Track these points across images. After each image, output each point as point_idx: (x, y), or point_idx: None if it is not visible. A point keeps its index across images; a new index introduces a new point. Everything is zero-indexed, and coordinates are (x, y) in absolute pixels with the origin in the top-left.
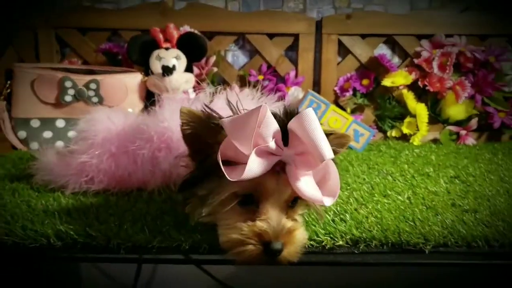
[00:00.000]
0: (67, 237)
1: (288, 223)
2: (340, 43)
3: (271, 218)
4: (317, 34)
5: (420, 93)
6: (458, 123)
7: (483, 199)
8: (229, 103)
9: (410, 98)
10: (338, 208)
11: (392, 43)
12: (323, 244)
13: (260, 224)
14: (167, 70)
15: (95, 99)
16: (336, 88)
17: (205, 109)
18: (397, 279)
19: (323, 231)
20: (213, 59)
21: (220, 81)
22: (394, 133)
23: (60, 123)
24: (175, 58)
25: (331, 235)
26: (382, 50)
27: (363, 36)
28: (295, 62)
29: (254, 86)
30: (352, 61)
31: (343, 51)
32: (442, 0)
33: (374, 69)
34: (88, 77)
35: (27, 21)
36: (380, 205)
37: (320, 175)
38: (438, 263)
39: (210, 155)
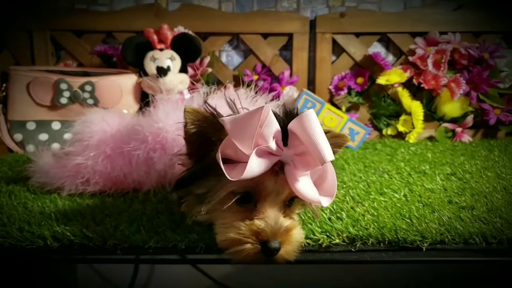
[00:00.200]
0: (63, 239)
1: (286, 222)
2: (334, 42)
3: (269, 217)
4: (311, 33)
5: (415, 91)
6: (454, 120)
7: (480, 195)
8: (230, 101)
9: (405, 96)
10: (334, 206)
11: (386, 41)
12: (320, 242)
13: (258, 223)
14: (162, 71)
15: (90, 101)
16: (330, 87)
17: (207, 107)
18: (394, 276)
19: (319, 230)
20: (207, 59)
21: (214, 82)
22: (389, 131)
23: (55, 125)
24: (169, 59)
25: (328, 234)
26: (377, 48)
27: (357, 35)
28: (289, 62)
29: (248, 86)
30: (347, 60)
31: (337, 49)
32: None
33: (369, 67)
34: (83, 79)
35: (22, 23)
36: (376, 203)
37: (317, 175)
38: (435, 260)
39: (209, 153)
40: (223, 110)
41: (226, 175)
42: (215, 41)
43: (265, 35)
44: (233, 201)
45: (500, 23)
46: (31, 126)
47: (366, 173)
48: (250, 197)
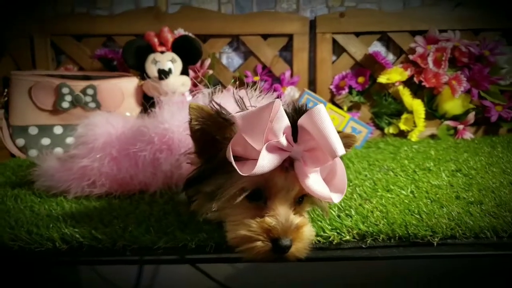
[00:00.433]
0: (72, 240)
1: (296, 219)
2: (334, 42)
3: (280, 214)
4: (311, 33)
5: (416, 89)
6: (455, 118)
7: (487, 191)
8: (239, 99)
9: (406, 95)
10: (343, 204)
11: (386, 40)
12: (330, 239)
13: (268, 220)
14: (163, 74)
15: (92, 105)
16: (331, 87)
17: (213, 105)
18: (405, 272)
19: (329, 227)
20: (208, 61)
21: (215, 84)
22: (391, 129)
23: (58, 130)
24: (170, 61)
25: (338, 230)
26: (377, 47)
27: (357, 34)
28: (290, 62)
29: (252, 86)
30: (347, 59)
31: (338, 49)
32: None
33: (369, 66)
34: (85, 83)
35: (22, 29)
36: (384, 199)
37: (327, 172)
38: (446, 255)
39: (218, 151)
40: (228, 109)
41: (238, 170)
42: (215, 43)
43: (265, 36)
44: (243, 197)
45: (499, 20)
46: (33, 131)
47: (371, 171)
48: (260, 194)
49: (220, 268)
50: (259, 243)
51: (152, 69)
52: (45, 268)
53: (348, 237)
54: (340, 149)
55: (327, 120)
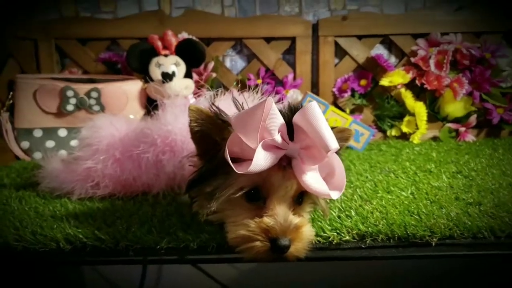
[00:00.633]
0: (76, 241)
1: (295, 220)
2: (336, 45)
3: (278, 214)
4: (314, 36)
5: (418, 92)
6: (457, 120)
7: (486, 192)
8: (235, 100)
9: (408, 97)
10: (343, 204)
11: (388, 43)
12: (330, 239)
13: (267, 220)
14: (167, 77)
15: (96, 108)
16: (334, 90)
17: (212, 107)
18: (403, 272)
19: (329, 227)
20: (211, 64)
21: (219, 86)
22: (393, 132)
23: (62, 132)
24: (174, 64)
25: (338, 231)
26: (379, 50)
27: (360, 37)
28: (292, 65)
29: (252, 89)
30: (349, 62)
31: (340, 52)
32: None
33: (372, 69)
34: (89, 86)
35: (27, 32)
36: (384, 200)
37: (326, 170)
38: (445, 255)
39: (217, 152)
40: (229, 112)
41: (234, 168)
42: (218, 46)
43: (268, 39)
44: (242, 198)
45: (500, 23)
46: (38, 133)
47: (372, 173)
48: (259, 194)
49: (223, 270)
50: (258, 243)
51: (155, 72)
52: (49, 268)
53: (347, 237)
54: (333, 144)
55: (319, 116)
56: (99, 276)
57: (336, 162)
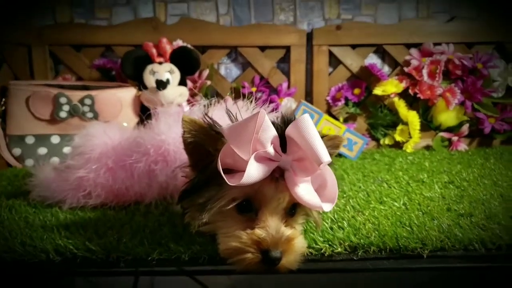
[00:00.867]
0: (66, 252)
1: (287, 231)
2: (331, 54)
3: (270, 226)
4: (308, 45)
5: (411, 101)
6: (450, 130)
7: (478, 203)
8: (228, 111)
9: (401, 106)
10: (336, 215)
11: (382, 53)
12: (322, 251)
13: (258, 232)
14: (161, 84)
15: (90, 115)
16: (328, 98)
17: (205, 118)
18: (396, 283)
19: (321, 239)
20: (206, 72)
21: (213, 94)
22: (387, 141)
23: (55, 139)
24: (168, 72)
25: (330, 242)
26: (372, 59)
27: (353, 47)
28: (287, 74)
29: (246, 97)
30: (343, 71)
31: (334, 61)
32: (428, 10)
33: (365, 78)
34: (83, 93)
35: (21, 38)
36: (376, 211)
37: (318, 182)
38: (436, 267)
39: (210, 163)
40: (223, 121)
41: (226, 180)
42: (213, 54)
43: (262, 48)
44: (234, 209)
45: (492, 34)
46: (30, 140)
47: (365, 183)
48: (251, 205)
49: (218, 280)
50: (249, 255)
51: (150, 80)
52: (39, 280)
53: (339, 249)
54: (325, 157)
55: (311, 128)
56: (90, 285)
57: (328, 174)
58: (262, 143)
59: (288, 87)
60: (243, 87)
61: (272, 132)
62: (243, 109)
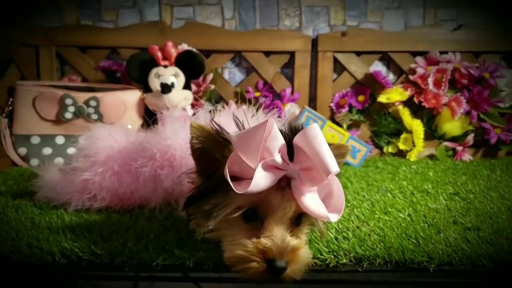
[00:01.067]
0: (72, 255)
1: (293, 241)
2: (335, 60)
3: (276, 235)
4: (313, 51)
5: (416, 109)
6: (454, 139)
7: (485, 216)
8: (236, 118)
9: (406, 114)
10: (340, 225)
11: (387, 60)
12: (327, 262)
13: (264, 241)
14: (166, 88)
15: (94, 116)
16: (332, 105)
17: (213, 125)
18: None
19: (326, 249)
20: (210, 76)
21: (217, 98)
22: (390, 149)
23: (59, 140)
24: (173, 75)
25: (335, 253)
26: (377, 67)
27: (358, 53)
28: (291, 79)
29: (250, 102)
30: (348, 78)
31: (339, 68)
32: (435, 18)
33: (370, 85)
34: (88, 95)
35: (28, 39)
36: (381, 222)
37: (325, 192)
38: (443, 282)
39: (216, 170)
40: (229, 127)
41: (233, 187)
42: (218, 58)
43: (267, 53)
44: (239, 217)
45: (499, 43)
46: (35, 140)
47: (369, 192)
48: (256, 214)
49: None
50: (254, 263)
51: (155, 83)
52: (41, 282)
53: (345, 260)
54: (334, 167)
55: (320, 138)
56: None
57: (335, 184)
58: (270, 151)
59: (292, 92)
60: (247, 91)
61: (280, 141)
62: (249, 116)
